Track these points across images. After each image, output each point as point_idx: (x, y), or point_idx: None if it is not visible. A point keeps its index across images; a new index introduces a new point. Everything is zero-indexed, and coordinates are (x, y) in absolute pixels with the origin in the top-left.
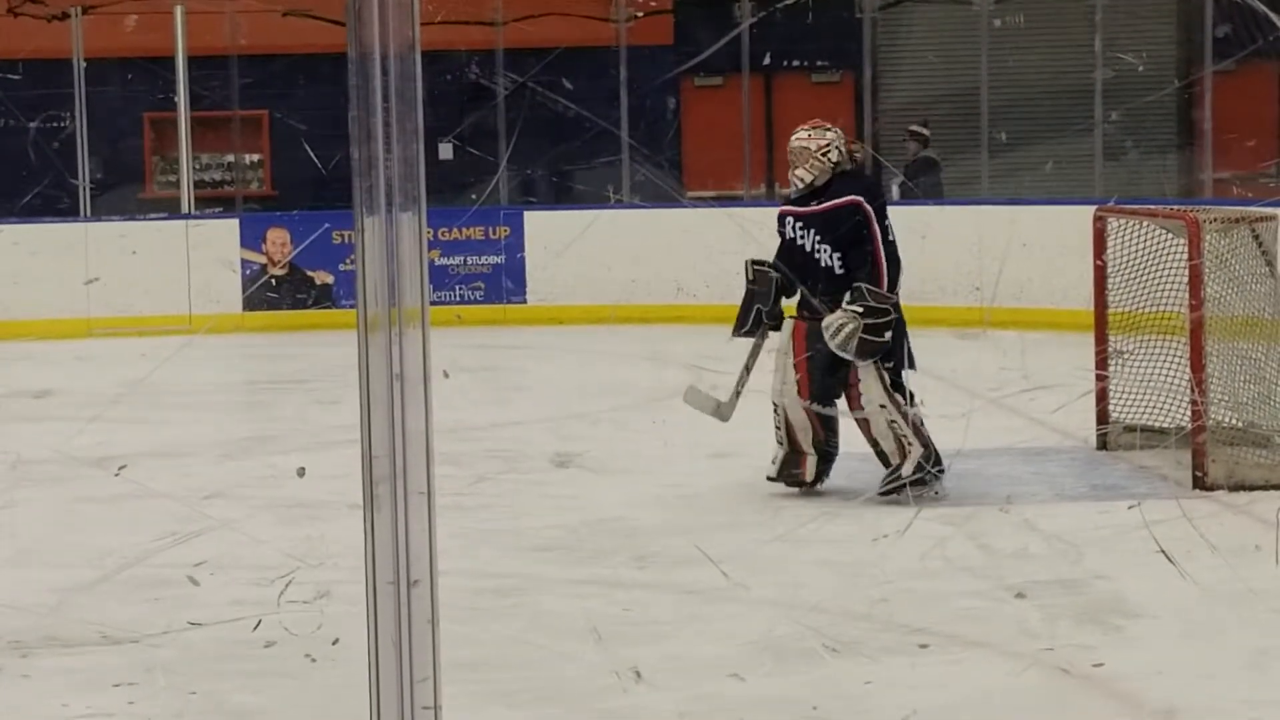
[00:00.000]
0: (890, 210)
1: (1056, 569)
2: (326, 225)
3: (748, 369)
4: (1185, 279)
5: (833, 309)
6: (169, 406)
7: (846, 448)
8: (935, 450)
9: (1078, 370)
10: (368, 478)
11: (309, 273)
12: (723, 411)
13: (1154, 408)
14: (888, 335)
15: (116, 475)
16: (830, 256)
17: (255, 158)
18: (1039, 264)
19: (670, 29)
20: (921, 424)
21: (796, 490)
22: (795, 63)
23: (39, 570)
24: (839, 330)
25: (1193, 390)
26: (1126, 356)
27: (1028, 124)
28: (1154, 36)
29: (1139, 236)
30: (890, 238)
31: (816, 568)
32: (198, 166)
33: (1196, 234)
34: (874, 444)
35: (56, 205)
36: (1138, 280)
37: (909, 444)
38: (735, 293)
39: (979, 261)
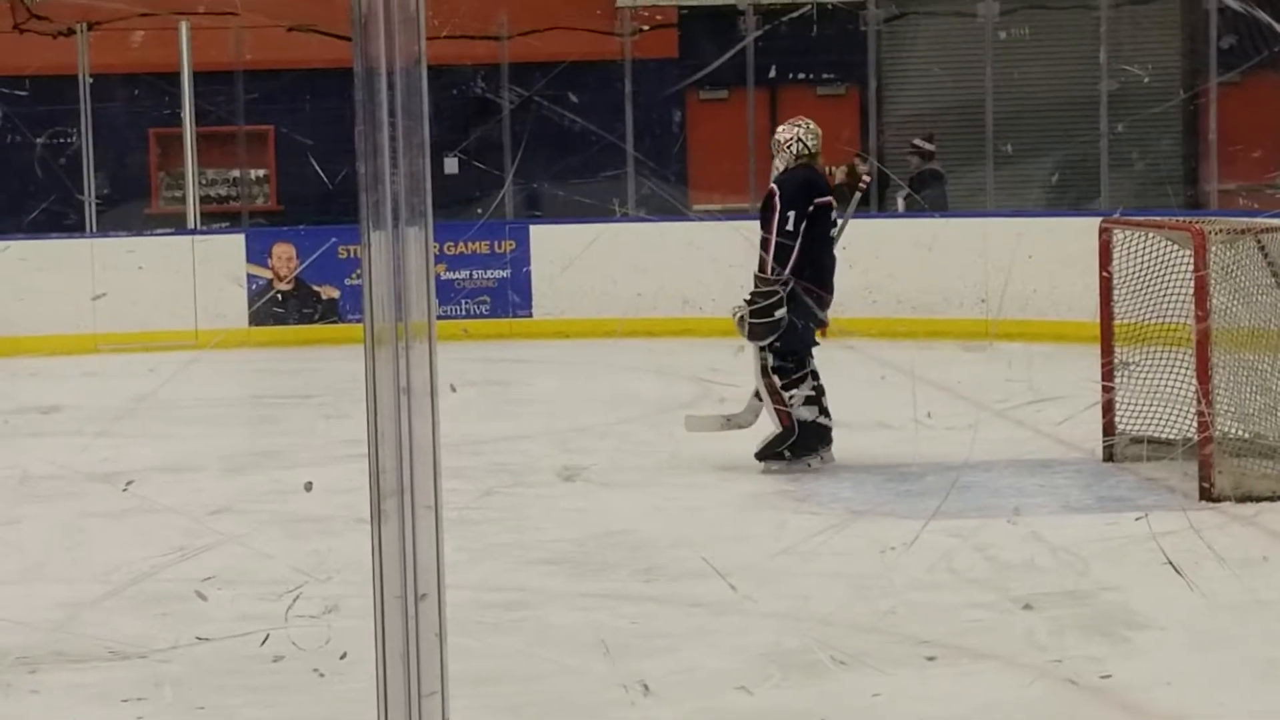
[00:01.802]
0: (893, 222)
1: (1064, 580)
2: (333, 240)
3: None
4: (1191, 290)
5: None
6: (176, 421)
7: (852, 460)
8: (799, 431)
9: (1084, 382)
10: (375, 492)
11: (315, 287)
12: (740, 420)
13: (1160, 419)
14: (778, 315)
15: (124, 490)
16: (760, 239)
17: (261, 173)
18: (1045, 276)
19: (675, 42)
20: (791, 405)
21: (802, 501)
22: (800, 75)
23: (47, 585)
24: (734, 317)
25: (1199, 402)
26: (1132, 368)
27: (1033, 136)
28: (1159, 48)
29: (1145, 248)
30: (789, 227)
31: (824, 580)
32: (203, 182)
33: (1202, 245)
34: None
35: (63, 221)
36: (1143, 292)
37: (780, 421)
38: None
39: (985, 274)
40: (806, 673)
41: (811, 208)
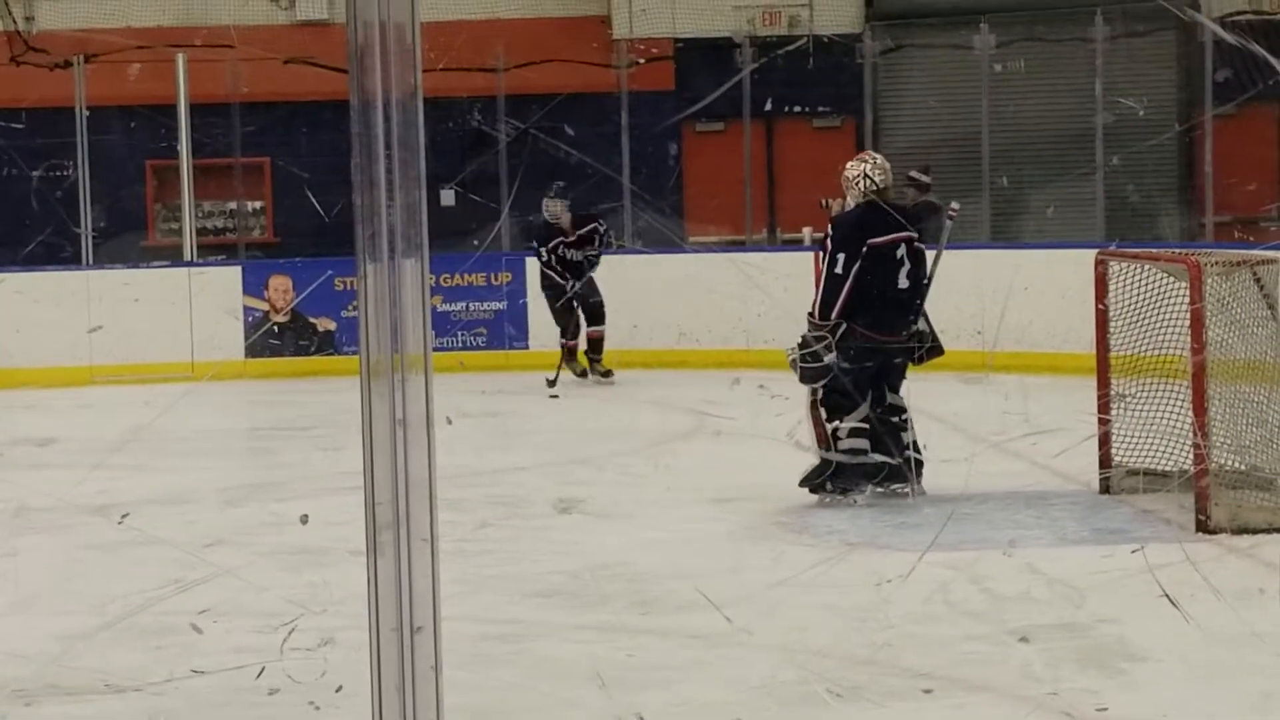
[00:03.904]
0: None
1: (1060, 613)
2: (329, 272)
3: None
4: (1187, 322)
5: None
6: (172, 454)
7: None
8: (839, 466)
9: (1080, 414)
10: (370, 524)
11: (311, 319)
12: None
13: (1156, 451)
14: (827, 360)
15: (119, 523)
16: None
17: (257, 205)
18: (1041, 308)
19: (671, 75)
20: (833, 440)
21: (798, 533)
22: (796, 108)
23: (42, 618)
24: (788, 359)
25: (1195, 434)
26: (1129, 400)
27: (1029, 168)
28: (1154, 81)
29: (1140, 280)
30: (837, 270)
31: (820, 612)
32: (200, 214)
33: (1198, 277)
34: None
35: (59, 254)
36: (1139, 324)
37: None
38: (737, 337)
39: (981, 305)
40: (803, 705)
41: (866, 248)
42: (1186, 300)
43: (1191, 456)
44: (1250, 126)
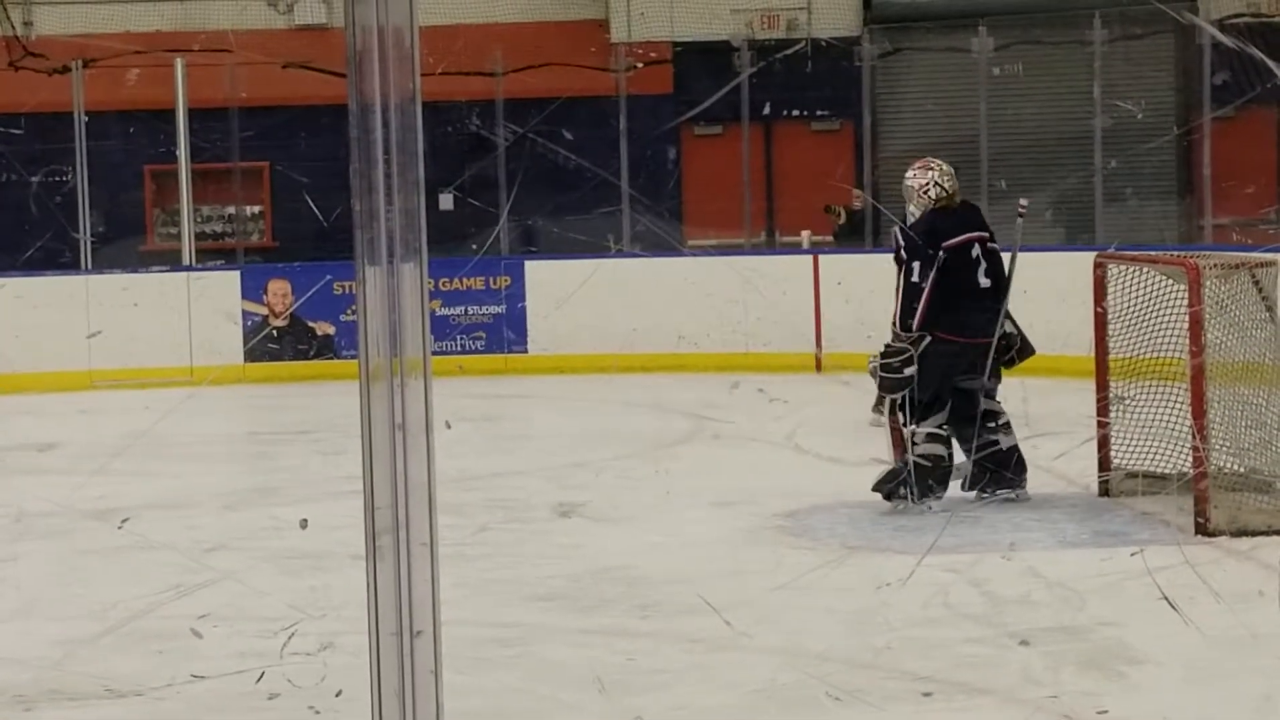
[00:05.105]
0: (888, 256)
1: (1060, 616)
2: (328, 276)
3: None
4: (1186, 325)
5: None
6: (171, 458)
7: (848, 495)
8: (915, 472)
9: (1079, 417)
10: (370, 528)
11: (310, 324)
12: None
13: (1156, 454)
14: (907, 372)
15: (119, 528)
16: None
17: (256, 209)
18: (1040, 311)
19: (670, 78)
20: (909, 446)
21: (798, 537)
22: (795, 111)
23: (42, 623)
24: (869, 368)
25: (1194, 436)
26: (1128, 403)
27: (1027, 171)
28: (1153, 84)
29: (1139, 283)
30: (914, 279)
31: (820, 616)
32: (199, 219)
33: (1196, 280)
34: None
35: (58, 259)
36: (1138, 326)
37: (895, 458)
38: (736, 340)
39: None
40: (803, 709)
41: (943, 253)
42: (1185, 303)
43: (1190, 459)
44: (1248, 129)
